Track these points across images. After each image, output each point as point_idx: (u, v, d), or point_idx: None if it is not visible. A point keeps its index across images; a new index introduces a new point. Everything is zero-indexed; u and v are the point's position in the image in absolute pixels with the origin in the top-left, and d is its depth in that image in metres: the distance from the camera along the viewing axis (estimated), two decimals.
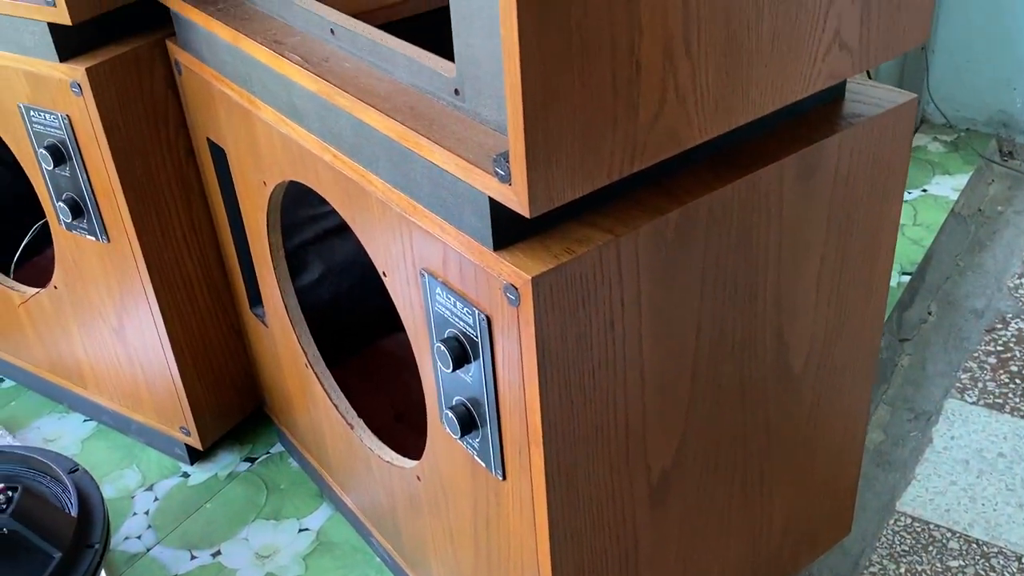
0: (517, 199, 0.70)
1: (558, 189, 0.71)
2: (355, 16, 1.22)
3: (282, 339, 1.29)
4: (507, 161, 0.70)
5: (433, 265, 0.85)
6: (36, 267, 1.67)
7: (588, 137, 0.70)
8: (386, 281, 0.96)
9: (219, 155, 1.22)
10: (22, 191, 1.73)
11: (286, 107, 1.01)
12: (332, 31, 0.96)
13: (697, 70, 0.74)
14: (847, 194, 0.94)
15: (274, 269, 1.22)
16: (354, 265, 1.47)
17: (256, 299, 1.35)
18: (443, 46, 1.33)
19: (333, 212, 1.05)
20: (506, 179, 0.71)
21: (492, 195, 0.74)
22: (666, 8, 0.70)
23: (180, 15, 1.14)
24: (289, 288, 1.24)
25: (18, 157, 1.31)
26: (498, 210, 0.75)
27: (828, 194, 0.92)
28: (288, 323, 1.25)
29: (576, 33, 0.66)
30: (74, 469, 1.13)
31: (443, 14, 1.32)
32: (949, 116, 2.30)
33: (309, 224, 1.40)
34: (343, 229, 1.43)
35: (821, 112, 0.92)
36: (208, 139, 1.22)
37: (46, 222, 1.52)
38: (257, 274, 1.29)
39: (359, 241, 0.98)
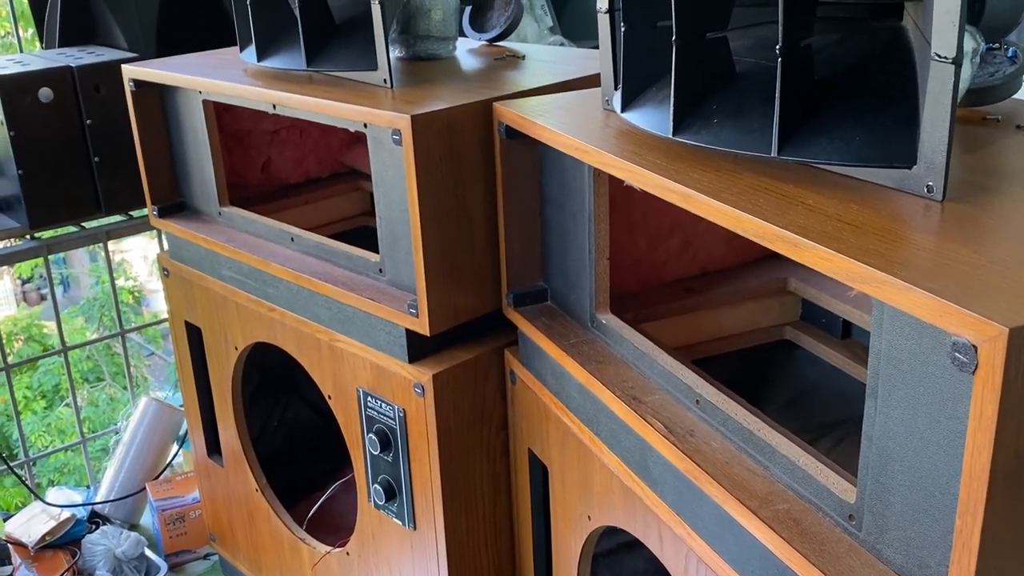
0: None
1: None
2: (688, 347, 1.24)
3: None
4: None
5: None
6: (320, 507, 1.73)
7: None
8: None
9: (539, 471, 1.23)
10: (321, 438, 1.83)
11: (637, 464, 1.00)
12: (698, 402, 0.95)
13: None
14: None
15: None
16: None
17: None
18: (759, 387, 1.31)
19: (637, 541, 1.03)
20: None
21: None
22: None
23: (530, 338, 1.18)
24: None
25: (344, 432, 1.38)
26: None
27: None
28: None
29: None
30: None
31: (767, 352, 1.31)
32: None
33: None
34: (634, 545, 1.39)
35: None
36: (530, 451, 1.24)
37: (344, 480, 1.58)
38: None
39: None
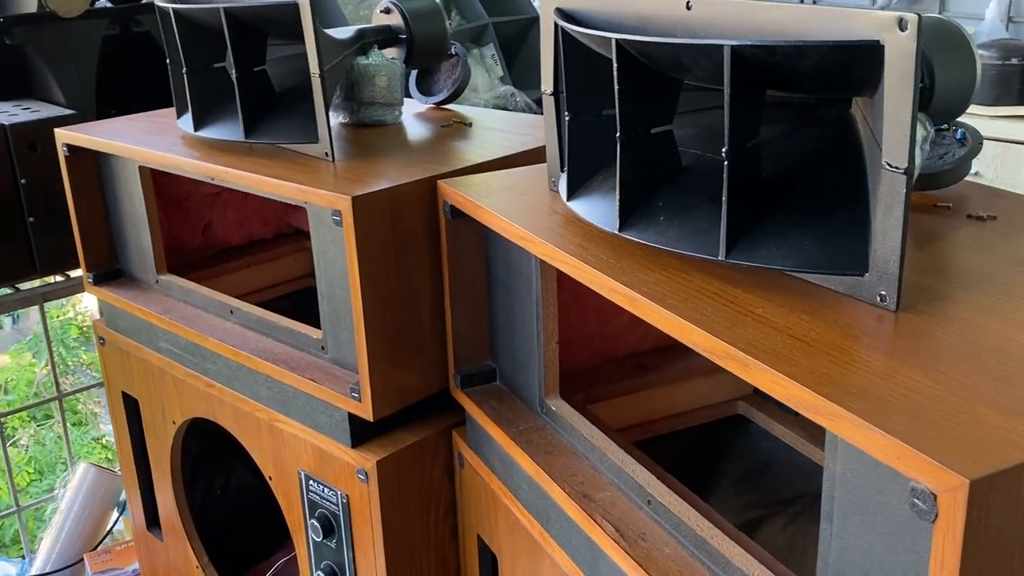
0: None
1: None
2: (640, 425, 1.20)
3: None
4: None
5: None
6: None
7: None
8: None
9: (488, 559, 1.19)
10: (266, 507, 1.77)
11: (588, 566, 0.96)
12: (649, 502, 0.92)
13: None
14: None
15: None
16: None
17: None
18: (713, 463, 1.28)
19: None
20: None
21: None
22: None
23: (477, 422, 1.14)
24: None
25: (286, 516, 1.33)
26: None
27: None
28: None
29: None
30: None
31: (720, 428, 1.27)
32: None
33: None
34: None
35: None
36: (479, 537, 1.20)
37: (288, 558, 1.52)
38: None
39: None
